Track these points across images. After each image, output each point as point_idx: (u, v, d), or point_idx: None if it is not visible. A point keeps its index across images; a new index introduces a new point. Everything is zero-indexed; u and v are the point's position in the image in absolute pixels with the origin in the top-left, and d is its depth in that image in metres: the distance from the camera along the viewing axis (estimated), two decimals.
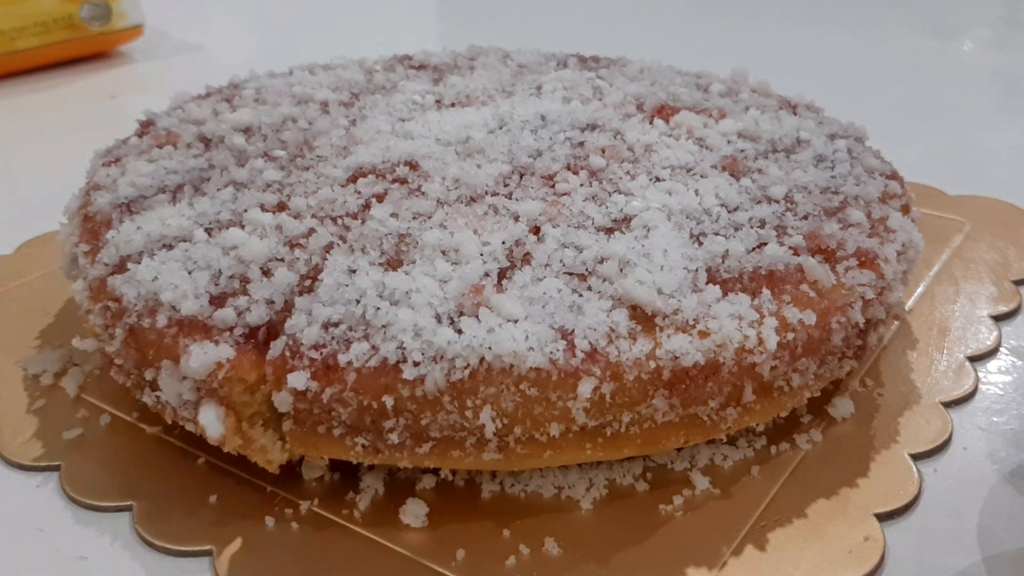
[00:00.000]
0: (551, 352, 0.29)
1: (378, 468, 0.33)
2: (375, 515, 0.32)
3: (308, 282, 0.33)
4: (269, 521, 0.31)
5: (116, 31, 0.77)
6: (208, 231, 0.35)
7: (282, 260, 0.33)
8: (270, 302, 0.32)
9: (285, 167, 0.40)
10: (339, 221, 0.35)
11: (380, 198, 0.37)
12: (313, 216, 0.36)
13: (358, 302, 0.30)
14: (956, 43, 0.84)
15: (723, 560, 0.30)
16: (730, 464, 0.33)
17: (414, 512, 0.31)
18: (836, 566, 0.29)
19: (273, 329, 0.31)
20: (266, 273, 0.33)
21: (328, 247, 0.34)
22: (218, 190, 0.38)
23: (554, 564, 0.30)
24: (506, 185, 0.38)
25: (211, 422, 0.30)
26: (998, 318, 0.42)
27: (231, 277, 0.32)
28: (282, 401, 0.30)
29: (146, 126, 0.45)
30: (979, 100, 0.69)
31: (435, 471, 0.33)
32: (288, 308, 0.31)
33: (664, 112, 0.44)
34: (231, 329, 0.31)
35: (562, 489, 0.32)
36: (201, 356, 0.30)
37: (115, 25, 0.77)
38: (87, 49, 0.77)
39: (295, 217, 0.36)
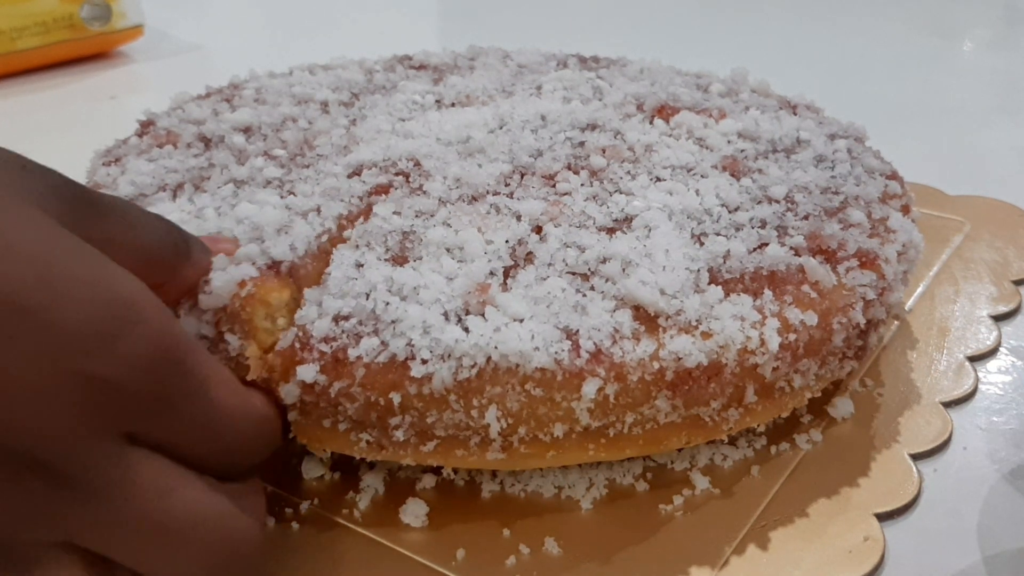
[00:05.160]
0: (556, 352, 0.29)
1: (378, 468, 0.33)
2: (375, 515, 0.32)
3: (325, 237, 0.33)
4: (269, 521, 0.31)
5: (116, 31, 0.77)
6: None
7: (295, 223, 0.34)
8: (292, 247, 0.32)
9: (285, 165, 0.40)
10: (344, 201, 0.36)
11: (384, 189, 0.37)
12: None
13: (368, 296, 0.30)
14: (956, 43, 0.84)
15: (724, 560, 0.30)
16: (730, 464, 0.33)
17: (414, 512, 0.31)
18: (836, 566, 0.29)
19: (295, 270, 0.31)
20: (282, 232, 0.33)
21: (339, 217, 0.34)
22: (218, 187, 0.38)
23: (554, 564, 0.30)
24: (507, 185, 0.38)
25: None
26: (998, 318, 0.42)
27: (249, 241, 0.33)
28: (289, 393, 0.29)
29: (146, 126, 0.45)
30: (979, 100, 0.69)
31: (435, 470, 0.33)
32: (309, 255, 0.32)
33: (664, 112, 0.44)
34: (253, 262, 0.31)
35: (562, 489, 0.32)
36: (223, 276, 0.30)
37: (115, 25, 0.77)
38: (87, 49, 0.77)
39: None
